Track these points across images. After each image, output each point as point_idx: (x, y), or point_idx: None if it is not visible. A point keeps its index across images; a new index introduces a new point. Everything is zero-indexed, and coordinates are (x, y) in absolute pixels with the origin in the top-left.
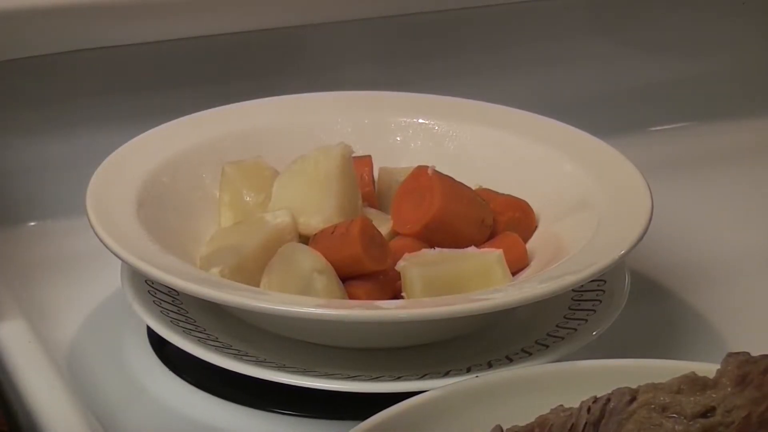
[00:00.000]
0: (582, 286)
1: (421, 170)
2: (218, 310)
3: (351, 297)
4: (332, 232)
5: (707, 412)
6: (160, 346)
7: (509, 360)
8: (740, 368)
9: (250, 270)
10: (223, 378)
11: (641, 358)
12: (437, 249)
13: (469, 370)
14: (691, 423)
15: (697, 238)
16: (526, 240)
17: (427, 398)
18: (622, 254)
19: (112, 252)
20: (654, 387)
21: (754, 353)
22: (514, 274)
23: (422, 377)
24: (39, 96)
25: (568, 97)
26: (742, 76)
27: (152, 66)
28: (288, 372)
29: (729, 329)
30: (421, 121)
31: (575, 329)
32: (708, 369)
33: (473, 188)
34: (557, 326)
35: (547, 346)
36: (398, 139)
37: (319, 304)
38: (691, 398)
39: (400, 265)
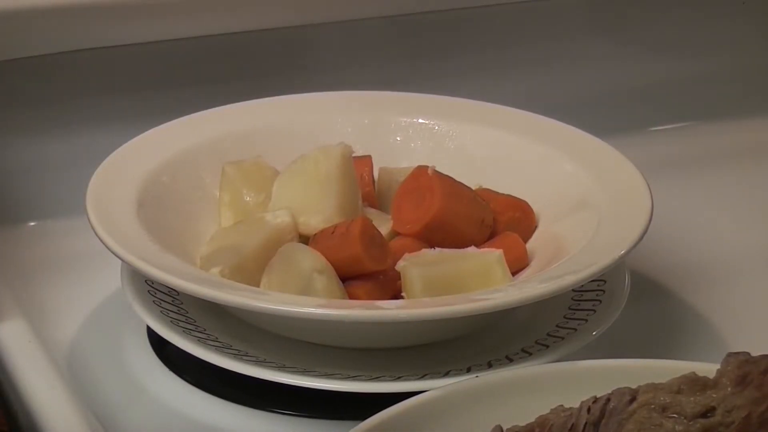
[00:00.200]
0: (582, 286)
1: (421, 170)
2: (218, 310)
3: (351, 297)
4: (332, 232)
5: (707, 412)
6: (160, 346)
7: (509, 360)
8: (740, 368)
9: (250, 270)
10: (223, 378)
11: (641, 358)
12: (437, 249)
13: (469, 370)
14: (691, 423)
15: (697, 238)
16: (526, 240)
17: (427, 398)
18: (622, 254)
19: (112, 252)
20: (654, 387)
21: (754, 353)
22: (514, 274)
23: (422, 377)
24: (39, 96)
25: (568, 97)
26: (742, 76)
27: (152, 66)
28: (288, 372)
29: (729, 329)
30: (421, 121)
31: (575, 329)
32: (708, 369)
33: (473, 188)
34: (557, 326)
35: (547, 346)
36: (398, 139)
37: (320, 304)
38: (691, 398)
39: (400, 265)
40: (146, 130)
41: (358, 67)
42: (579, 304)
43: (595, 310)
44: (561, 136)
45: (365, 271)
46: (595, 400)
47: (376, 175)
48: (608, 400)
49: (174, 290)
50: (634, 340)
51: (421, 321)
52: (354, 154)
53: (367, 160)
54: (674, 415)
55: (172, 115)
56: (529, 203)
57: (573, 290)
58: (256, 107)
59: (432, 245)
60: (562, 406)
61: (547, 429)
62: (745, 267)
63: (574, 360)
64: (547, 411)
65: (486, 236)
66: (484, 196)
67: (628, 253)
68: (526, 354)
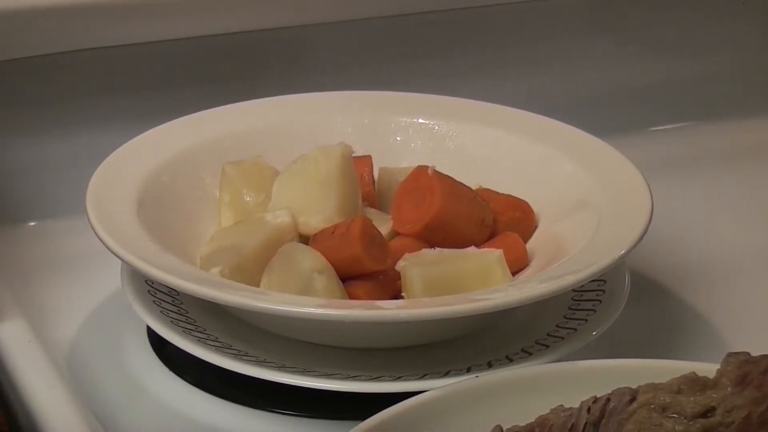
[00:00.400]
0: (582, 286)
1: (421, 170)
2: (218, 310)
3: (351, 297)
4: (332, 232)
5: (707, 412)
6: (160, 346)
7: (509, 360)
8: (740, 368)
9: (250, 270)
10: (223, 378)
11: (641, 358)
12: (437, 249)
13: (469, 370)
14: (691, 423)
15: (697, 238)
16: (526, 240)
17: (427, 398)
18: (622, 254)
19: (112, 252)
20: (654, 387)
21: (754, 353)
22: (514, 274)
23: (422, 377)
24: (39, 96)
25: (568, 97)
26: (742, 76)
27: (152, 66)
28: (288, 372)
29: (729, 329)
30: (421, 121)
31: (575, 329)
32: (708, 369)
33: (473, 188)
34: (557, 326)
35: (547, 346)
36: (398, 139)
37: (320, 304)
38: (691, 398)
39: (400, 265)
40: (146, 130)
41: (358, 67)
42: (579, 304)
43: (595, 310)
44: (561, 136)
45: (365, 271)
46: (595, 400)
47: (376, 175)
48: (608, 400)
49: (174, 290)
50: (634, 340)
51: (421, 321)
52: (354, 154)
53: (367, 160)
54: (674, 415)
55: (172, 115)
56: (529, 203)
57: (573, 290)
58: (256, 107)
59: (432, 245)
60: (562, 406)
61: (547, 429)
62: (745, 267)
63: (574, 360)
64: (547, 411)
65: (486, 236)
66: (484, 196)
67: (628, 253)
68: (526, 354)
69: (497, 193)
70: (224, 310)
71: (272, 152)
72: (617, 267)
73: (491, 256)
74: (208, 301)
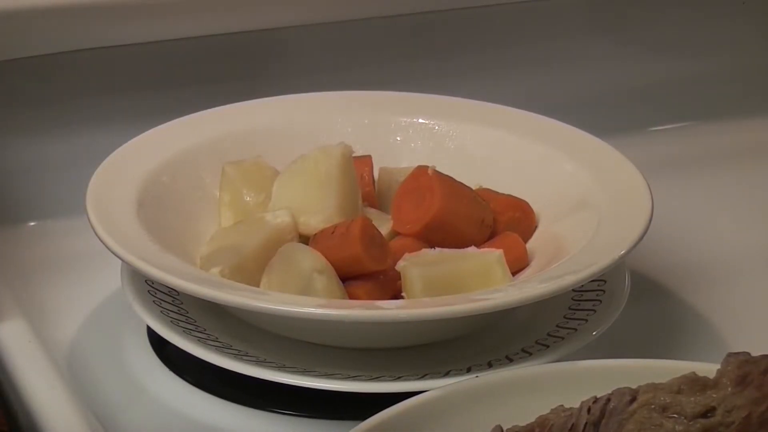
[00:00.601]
0: (582, 286)
1: (421, 170)
2: (218, 310)
3: (351, 297)
4: (332, 232)
5: (707, 412)
6: (160, 346)
7: (509, 360)
8: (740, 368)
9: (250, 270)
10: (223, 378)
11: (641, 358)
12: (437, 249)
13: (469, 370)
14: (691, 423)
15: (697, 238)
16: (526, 240)
17: (427, 398)
18: (622, 254)
19: (112, 252)
20: (654, 387)
21: (754, 353)
22: (514, 274)
23: (422, 377)
24: (39, 96)
25: (568, 97)
26: (742, 76)
27: (152, 66)
28: (288, 372)
29: (729, 329)
30: (421, 120)
31: (575, 329)
32: (708, 369)
33: (473, 188)
34: (557, 326)
35: (548, 346)
36: (398, 138)
37: (320, 304)
38: (692, 398)
39: (401, 265)
40: (146, 130)
41: (358, 67)
42: (579, 304)
43: (595, 310)
44: (561, 136)
45: (365, 271)
46: (596, 400)
47: (376, 175)
48: (608, 400)
49: (174, 290)
50: (634, 340)
51: (421, 321)
52: (354, 154)
53: (367, 160)
54: (674, 415)
55: (172, 115)
56: (529, 203)
57: (573, 290)
58: (256, 107)
59: (432, 245)
60: (562, 406)
61: (547, 429)
62: (745, 267)
63: (574, 360)
64: (548, 411)
65: (486, 236)
66: (484, 196)
67: (628, 253)
68: (526, 354)
69: (497, 193)
70: (224, 310)
71: (272, 152)
72: (617, 267)
73: (491, 256)
74: (208, 301)
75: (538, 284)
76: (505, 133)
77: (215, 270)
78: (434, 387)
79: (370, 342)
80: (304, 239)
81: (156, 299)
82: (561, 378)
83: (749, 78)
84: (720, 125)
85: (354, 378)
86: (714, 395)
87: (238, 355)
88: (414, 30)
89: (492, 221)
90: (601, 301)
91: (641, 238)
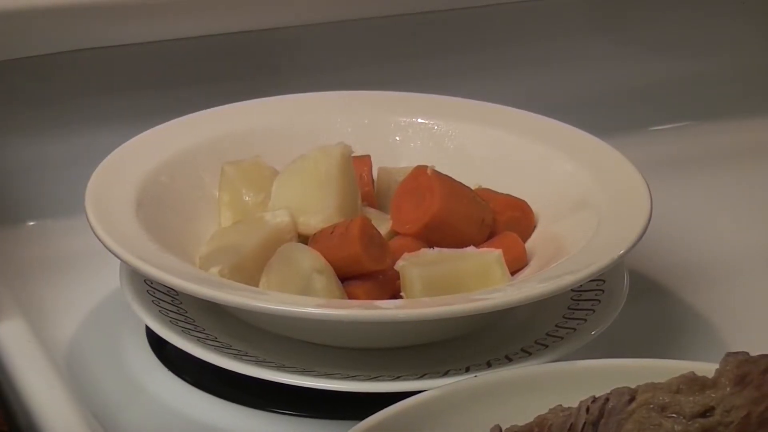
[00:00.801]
0: (581, 285)
1: (420, 170)
2: (217, 309)
3: (350, 297)
4: (332, 232)
5: (706, 412)
6: (159, 345)
7: (508, 360)
8: (739, 368)
9: (250, 270)
10: (222, 378)
11: (640, 358)
12: (436, 249)
13: (468, 370)
14: (690, 423)
15: (696, 238)
16: (525, 240)
17: (426, 398)
18: (621, 254)
19: (111, 252)
20: (653, 387)
21: (753, 353)
22: (513, 273)
23: (421, 377)
24: (39, 96)
25: (568, 97)
26: (742, 75)
27: (152, 66)
28: (287, 372)
29: (728, 329)
30: (420, 120)
31: (574, 329)
32: (707, 369)
33: (472, 188)
34: (556, 326)
35: (546, 346)
36: (397, 138)
37: (319, 304)
38: (690, 398)
39: (400, 264)
40: (146, 130)
41: (358, 67)
42: (578, 304)
43: (594, 310)
44: (560, 135)
45: (364, 271)
46: (594, 399)
47: (375, 174)
48: (607, 399)
49: (173, 290)
50: (633, 340)
51: (420, 321)
52: (353, 154)
53: (366, 159)
54: (673, 415)
55: (172, 115)
56: (529, 203)
57: (572, 290)
58: (255, 107)
59: (431, 245)
60: (561, 405)
61: (546, 429)
62: (744, 267)
63: (573, 360)
64: (546, 411)
65: (485, 236)
66: (484, 195)
67: (627, 252)
68: (526, 354)
69: (496, 192)
70: (223, 310)
71: (271, 152)
72: (616, 267)
73: (490, 255)
74: (208, 301)
75: (537, 284)
76: (504, 133)
77: (214, 270)
78: (433, 387)
79: (369, 342)
80: (304, 239)
81: (155, 299)
82: (560, 378)
83: (749, 78)
84: (719, 125)
85: (353, 378)
86: (713, 395)
87: (238, 355)
88: (414, 30)
89: (491, 221)
90: (600, 301)
91: (640, 238)
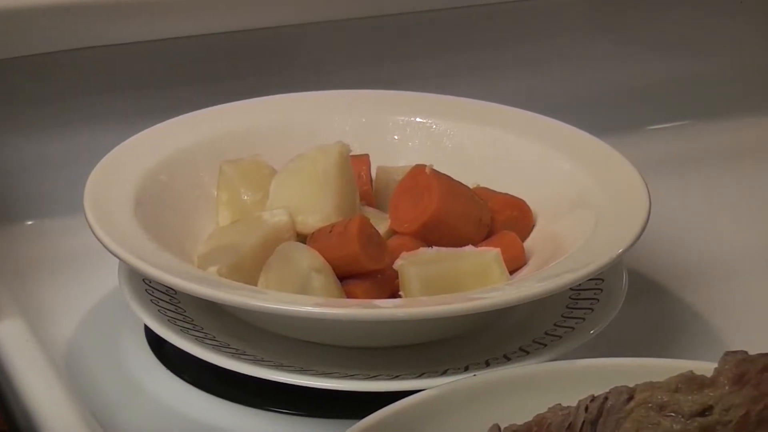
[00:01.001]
0: (580, 284)
1: (418, 169)
2: (216, 308)
3: (349, 296)
4: (330, 231)
5: (705, 411)
6: (157, 345)
7: (507, 359)
8: (738, 367)
9: (248, 269)
10: (220, 377)
11: (639, 357)
12: (435, 248)
13: (466, 369)
14: (688, 422)
15: (695, 238)
16: (523, 239)
17: (424, 397)
18: (620, 253)
19: (109, 251)
20: (652, 386)
21: (752, 352)
22: (511, 272)
23: (420, 376)
24: (39, 95)
25: (567, 97)
26: (742, 75)
27: (152, 65)
28: (286, 371)
29: (727, 328)
30: (419, 119)
31: (573, 328)
32: (706, 368)
33: (471, 187)
34: (555, 325)
35: (545, 345)
36: (396, 137)
37: (317, 303)
38: (689, 397)
39: (398, 263)
40: (145, 128)
41: (357, 66)
42: (577, 303)
43: (592, 309)
44: (559, 135)
45: (363, 270)
46: (593, 398)
47: (373, 173)
48: (606, 398)
49: (171, 289)
50: (632, 339)
51: (418, 320)
52: (352, 153)
53: (364, 158)
54: (672, 414)
55: (171, 114)
56: (527, 202)
57: (571, 289)
58: (254, 106)
59: (429, 244)
60: (559, 404)
61: (545, 428)
62: (743, 266)
63: (571, 359)
64: (545, 410)
65: (483, 235)
66: (482, 194)
67: (625, 251)
68: (524, 353)
69: (495, 191)
70: (222, 309)
71: (270, 151)
72: (615, 266)
73: (489, 254)
74: (206, 300)
75: (536, 283)
76: (502, 132)
77: (213, 269)
78: (432, 386)
79: (367, 341)
80: (302, 238)
81: (153, 298)
82: (558, 377)
83: (748, 77)
84: (719, 124)
85: (352, 377)
86: (711, 394)
87: (236, 354)
88: (413, 29)
89: (489, 220)
90: (598, 300)
91: (639, 237)
